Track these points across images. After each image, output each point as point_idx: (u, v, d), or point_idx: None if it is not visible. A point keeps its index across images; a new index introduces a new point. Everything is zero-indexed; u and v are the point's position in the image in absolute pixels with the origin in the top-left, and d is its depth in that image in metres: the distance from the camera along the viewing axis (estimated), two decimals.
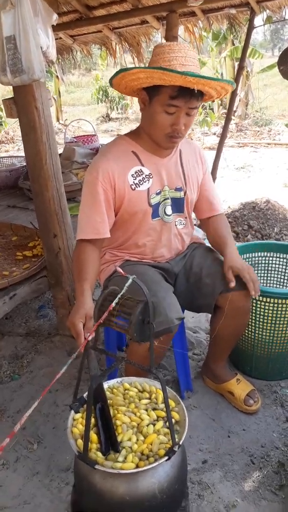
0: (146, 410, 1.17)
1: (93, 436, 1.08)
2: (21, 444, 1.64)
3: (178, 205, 1.63)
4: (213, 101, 1.55)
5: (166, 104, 1.36)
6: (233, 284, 1.50)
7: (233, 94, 3.72)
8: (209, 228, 1.79)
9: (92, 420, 1.10)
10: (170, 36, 3.29)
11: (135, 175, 1.51)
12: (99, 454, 1.05)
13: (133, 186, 1.51)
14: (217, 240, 1.72)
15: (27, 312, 2.59)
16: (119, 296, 1.01)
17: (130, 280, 1.00)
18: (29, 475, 1.53)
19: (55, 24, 1.89)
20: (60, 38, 3.93)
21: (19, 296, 1.97)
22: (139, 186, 1.52)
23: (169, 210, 1.60)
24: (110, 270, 1.65)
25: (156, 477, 1.05)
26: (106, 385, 1.26)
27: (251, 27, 3.40)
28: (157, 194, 1.56)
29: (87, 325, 1.16)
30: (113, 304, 1.00)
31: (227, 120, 3.75)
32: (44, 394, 0.92)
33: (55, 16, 1.88)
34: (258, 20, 3.48)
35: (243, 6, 3.23)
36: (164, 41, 3.37)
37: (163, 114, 1.39)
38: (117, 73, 1.37)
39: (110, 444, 1.08)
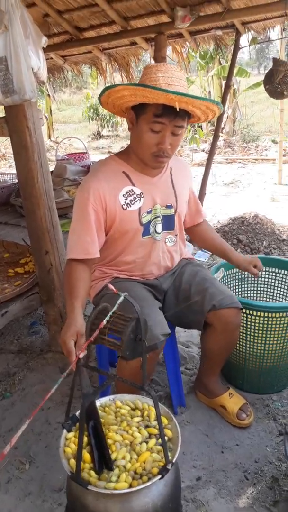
0: (138, 428, 1.16)
1: (86, 455, 1.08)
2: (12, 464, 1.62)
3: (168, 223, 1.66)
4: (201, 122, 1.57)
5: (151, 121, 1.39)
6: (259, 274, 1.82)
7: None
8: (195, 234, 1.89)
9: (85, 438, 1.09)
10: (159, 56, 3.37)
11: (126, 195, 1.53)
12: (93, 473, 1.04)
13: (125, 206, 1.52)
14: (215, 244, 1.87)
15: (19, 328, 2.58)
16: (110, 313, 1.02)
17: (121, 298, 1.01)
18: (21, 496, 1.50)
19: (45, 47, 1.94)
20: (51, 58, 4.00)
21: (11, 313, 1.97)
22: (130, 206, 1.53)
23: (159, 228, 1.62)
24: (99, 287, 1.66)
25: (149, 496, 1.04)
26: (98, 403, 1.25)
27: (237, 47, 3.50)
28: (148, 212, 1.58)
29: (78, 342, 1.17)
30: (105, 322, 1.01)
31: (215, 137, 3.83)
32: (35, 413, 0.92)
33: (44, 39, 1.93)
34: (244, 40, 3.59)
35: (228, 28, 3.33)
36: (153, 61, 3.46)
37: (149, 132, 1.41)
38: (104, 90, 1.40)
39: (104, 462, 1.07)
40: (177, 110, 1.31)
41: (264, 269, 2.15)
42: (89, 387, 1.08)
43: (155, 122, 1.38)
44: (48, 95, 11.41)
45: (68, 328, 1.22)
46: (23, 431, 0.88)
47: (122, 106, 1.47)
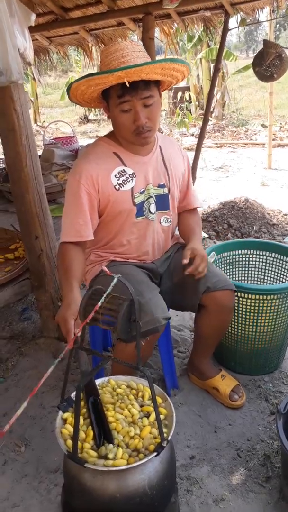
0: (133, 405, 1.18)
1: (83, 434, 1.09)
2: (8, 447, 1.63)
3: (162, 202, 1.64)
4: (175, 84, 1.53)
5: (118, 103, 1.39)
6: (186, 260, 1.50)
7: (210, 95, 3.77)
8: (181, 221, 1.83)
9: (81, 421, 1.10)
10: (146, 37, 3.31)
11: (118, 176, 1.52)
12: (90, 452, 1.05)
13: (117, 187, 1.51)
14: (186, 231, 1.75)
15: (11, 315, 2.57)
16: (105, 295, 1.01)
17: (115, 280, 1.01)
18: (17, 478, 1.52)
19: (33, 25, 1.89)
20: (36, 39, 3.91)
21: (2, 299, 1.95)
22: (122, 186, 1.52)
23: (153, 208, 1.61)
24: (96, 271, 1.65)
25: (145, 473, 1.06)
26: None
27: (225, 29, 3.45)
28: (141, 193, 1.57)
29: (76, 321, 1.17)
30: (99, 304, 1.01)
31: (205, 121, 3.80)
32: (32, 396, 0.92)
33: (33, 16, 1.88)
34: (233, 22, 3.55)
35: (217, 9, 3.28)
36: (140, 42, 3.40)
37: (121, 114, 1.41)
38: (67, 91, 1.42)
39: (104, 437, 1.09)
40: (127, 85, 1.30)
41: (255, 253, 2.18)
42: (87, 365, 1.09)
43: (121, 103, 1.38)
44: (34, 78, 11.19)
45: (68, 306, 1.21)
46: (19, 416, 0.88)
47: (91, 98, 1.47)
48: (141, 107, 1.39)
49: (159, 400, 1.18)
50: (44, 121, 11.91)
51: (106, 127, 11.21)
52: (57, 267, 1.48)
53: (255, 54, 3.81)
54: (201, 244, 1.66)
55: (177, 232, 1.87)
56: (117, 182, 1.51)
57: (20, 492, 1.46)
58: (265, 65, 3.57)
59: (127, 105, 1.38)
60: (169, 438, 1.07)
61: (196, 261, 1.52)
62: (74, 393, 1.11)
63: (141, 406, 1.18)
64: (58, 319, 1.19)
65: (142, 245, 1.64)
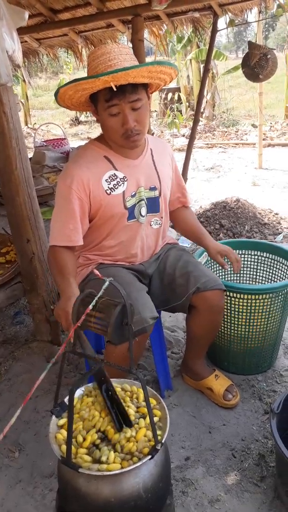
0: (129, 406, 1.18)
1: (80, 438, 1.08)
2: (2, 453, 1.62)
3: (153, 205, 1.64)
4: (164, 87, 1.54)
5: (106, 107, 1.38)
6: (227, 266, 1.74)
7: (200, 95, 3.78)
8: (178, 219, 1.86)
9: (78, 425, 1.10)
10: (136, 39, 3.31)
11: (109, 180, 1.51)
12: (85, 457, 1.05)
13: (108, 191, 1.51)
14: (192, 230, 1.83)
15: (3, 319, 2.55)
16: (96, 298, 1.01)
17: (107, 283, 1.00)
18: (12, 484, 1.50)
19: (26, 23, 1.87)
20: (26, 41, 3.89)
21: None
22: (114, 190, 1.52)
23: (144, 211, 1.61)
24: (84, 274, 1.64)
25: (140, 476, 1.05)
26: (84, 389, 1.25)
27: (214, 30, 3.47)
28: (132, 196, 1.57)
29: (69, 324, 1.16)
30: (91, 307, 1.00)
31: (195, 121, 3.81)
32: (24, 403, 0.91)
33: (26, 14, 1.86)
34: (222, 23, 3.57)
35: (206, 10, 3.30)
36: (130, 44, 3.40)
37: (109, 117, 1.41)
38: (55, 96, 1.42)
39: (123, 420, 1.09)
40: (114, 89, 1.30)
41: (247, 253, 2.19)
42: (93, 352, 1.10)
43: (109, 107, 1.38)
44: (24, 80, 11.14)
45: (68, 299, 1.22)
46: (14, 420, 0.88)
47: (79, 103, 1.47)
48: (129, 111, 1.38)
49: (153, 402, 1.18)
50: (35, 123, 11.86)
51: (97, 129, 11.19)
52: (50, 268, 1.48)
53: (243, 55, 3.84)
54: (213, 240, 1.80)
55: (170, 234, 1.88)
56: (108, 187, 1.51)
57: (14, 498, 1.45)
58: (251, 66, 3.59)
59: (115, 109, 1.38)
60: (163, 441, 1.07)
61: (231, 258, 1.73)
62: (68, 397, 1.10)
63: (137, 407, 1.18)
64: (59, 311, 1.19)
65: (131, 247, 1.64)
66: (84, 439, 1.09)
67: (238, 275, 2.24)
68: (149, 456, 1.03)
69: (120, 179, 1.53)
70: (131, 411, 1.16)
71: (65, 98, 1.42)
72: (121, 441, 1.08)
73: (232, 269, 1.83)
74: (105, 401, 1.13)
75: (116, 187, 1.52)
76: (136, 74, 1.31)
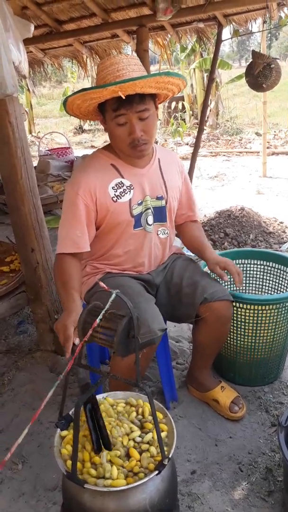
0: (132, 425, 1.16)
1: (86, 454, 1.06)
2: (5, 465, 1.60)
3: (160, 214, 1.64)
4: (171, 97, 1.54)
5: (114, 117, 1.39)
6: (226, 277, 1.65)
7: (204, 104, 3.80)
8: (185, 233, 1.84)
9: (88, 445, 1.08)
10: (141, 49, 3.34)
11: (115, 188, 1.51)
12: (91, 471, 1.03)
13: (115, 198, 1.51)
14: (196, 243, 1.78)
15: (6, 328, 2.54)
16: (103, 311, 1.00)
17: (113, 295, 0.99)
18: (15, 497, 1.48)
19: (31, 35, 1.89)
20: (31, 51, 3.94)
21: None
22: (120, 198, 1.52)
23: (150, 219, 1.61)
24: (91, 283, 1.64)
25: (146, 492, 1.03)
26: None
27: (219, 40, 3.49)
28: (139, 204, 1.57)
29: (75, 336, 1.15)
30: (98, 321, 0.99)
31: (200, 130, 3.82)
32: (33, 420, 0.90)
33: (31, 26, 1.88)
34: (226, 33, 3.58)
35: (210, 20, 3.32)
36: (135, 54, 3.42)
37: (117, 127, 1.41)
38: (64, 106, 1.44)
39: (102, 443, 1.07)
40: (123, 98, 1.30)
41: (252, 262, 2.17)
42: (87, 374, 1.08)
43: (117, 116, 1.38)
44: (28, 89, 11.24)
45: (69, 314, 1.20)
46: (15, 431, 0.86)
47: (87, 112, 1.48)
48: (137, 120, 1.39)
49: (159, 416, 1.16)
50: (39, 132, 11.95)
51: (101, 137, 11.26)
52: (55, 279, 1.47)
53: (247, 64, 3.85)
54: (216, 253, 1.74)
55: (175, 244, 1.87)
56: (114, 194, 1.51)
57: (17, 511, 1.43)
58: (255, 75, 3.60)
59: (123, 119, 1.38)
60: (170, 456, 1.05)
61: (232, 270, 1.64)
62: (73, 410, 1.09)
63: (143, 422, 1.16)
64: (58, 326, 1.18)
65: (138, 256, 1.64)
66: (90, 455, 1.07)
67: (244, 285, 2.22)
68: (156, 472, 1.02)
69: (127, 187, 1.53)
70: (135, 428, 1.13)
71: (73, 107, 1.43)
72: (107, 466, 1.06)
73: (233, 281, 1.79)
74: (87, 421, 1.09)
75: (122, 194, 1.52)
76: (143, 84, 1.31)
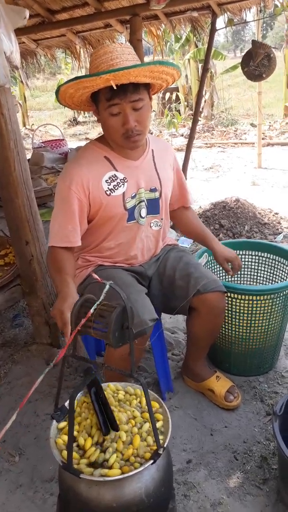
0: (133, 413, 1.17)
1: (82, 441, 1.07)
2: (2, 457, 1.60)
3: (153, 206, 1.63)
4: (165, 88, 1.53)
5: (107, 106, 1.37)
6: (231, 273, 1.76)
7: (199, 95, 3.77)
8: (181, 219, 1.86)
9: (76, 427, 1.08)
10: (134, 39, 3.30)
11: (109, 181, 1.50)
12: (84, 461, 1.04)
13: (108, 192, 1.50)
14: (197, 232, 1.84)
15: (2, 321, 2.54)
16: (98, 302, 1.00)
17: (107, 287, 0.99)
18: (12, 489, 1.49)
19: (26, 23, 1.86)
20: (23, 42, 3.88)
21: None
22: (114, 191, 1.51)
23: (144, 212, 1.60)
24: (83, 275, 1.63)
25: (142, 481, 1.04)
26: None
27: (213, 30, 3.45)
28: (132, 197, 1.56)
29: (66, 330, 1.15)
30: (91, 311, 0.99)
31: (194, 121, 3.80)
32: (20, 409, 0.90)
33: (26, 12, 1.85)
34: (220, 22, 3.55)
35: (204, 9, 3.28)
36: (128, 44, 3.38)
37: (110, 117, 1.39)
38: (56, 95, 1.41)
39: (109, 424, 1.08)
40: (114, 88, 1.29)
41: (247, 253, 2.17)
42: (84, 353, 1.08)
43: (110, 106, 1.36)
44: (21, 81, 11.11)
45: (64, 299, 1.20)
46: (11, 424, 0.87)
47: (80, 102, 1.46)
48: (130, 110, 1.37)
49: (155, 405, 1.17)
50: (33, 124, 11.85)
51: (96, 129, 11.19)
52: (48, 267, 1.47)
53: (243, 54, 3.82)
54: (221, 244, 1.82)
55: (170, 235, 1.87)
56: (108, 188, 1.49)
57: (15, 503, 1.44)
58: (254, 65, 3.58)
59: (116, 108, 1.37)
60: (165, 445, 1.06)
61: (235, 268, 1.77)
62: (68, 401, 1.09)
63: (142, 412, 1.17)
64: (54, 312, 1.17)
65: (130, 249, 1.63)
66: (85, 440, 1.08)
67: (239, 276, 2.23)
68: (151, 461, 1.02)
69: (120, 180, 1.52)
70: (137, 413, 1.14)
71: (66, 96, 1.41)
72: (114, 446, 1.07)
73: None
74: (93, 404, 1.11)
75: (116, 188, 1.51)
76: (137, 73, 1.30)
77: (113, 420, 1.09)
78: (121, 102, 1.35)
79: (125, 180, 1.53)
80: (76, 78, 1.31)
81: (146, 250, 1.68)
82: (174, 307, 1.67)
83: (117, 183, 1.51)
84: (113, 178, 1.51)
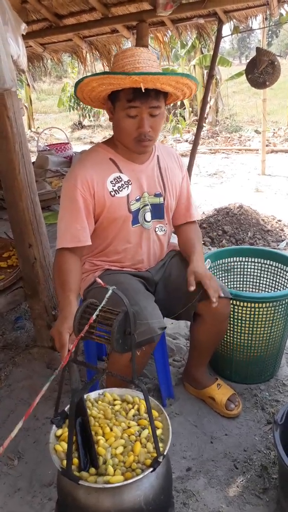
0: (129, 422, 1.16)
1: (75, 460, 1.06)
2: (0, 460, 1.60)
3: (158, 211, 1.64)
4: (181, 100, 1.55)
5: (126, 107, 1.38)
6: (192, 288, 1.49)
7: (204, 101, 3.78)
8: (181, 234, 1.81)
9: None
10: (140, 45, 3.31)
11: (114, 182, 1.51)
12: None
13: (113, 193, 1.51)
14: (187, 245, 1.72)
15: (4, 324, 2.54)
16: (99, 307, 0.99)
17: (110, 291, 0.99)
18: (10, 492, 1.48)
19: (24, 34, 1.88)
20: (30, 46, 3.91)
21: None
22: (118, 193, 1.51)
23: (148, 216, 1.60)
24: (89, 280, 1.63)
25: (141, 489, 1.03)
26: (86, 397, 1.23)
27: (219, 37, 3.47)
28: (137, 200, 1.56)
29: (71, 337, 1.15)
30: (94, 316, 0.99)
31: (199, 127, 3.81)
32: (25, 419, 0.90)
33: (23, 25, 1.87)
34: (226, 29, 3.56)
35: (211, 16, 3.29)
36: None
37: (126, 118, 1.40)
38: (75, 86, 1.41)
39: (90, 460, 1.06)
40: (143, 90, 1.30)
41: (250, 260, 2.17)
42: (79, 383, 1.07)
43: (129, 107, 1.38)
44: (28, 84, 11.20)
45: (64, 320, 1.19)
46: (11, 428, 0.86)
47: (97, 97, 1.46)
48: (147, 116, 1.39)
49: (155, 413, 1.16)
50: (38, 127, 11.91)
51: (101, 133, 11.24)
52: (54, 277, 1.46)
53: (248, 61, 3.83)
54: (203, 262, 1.62)
55: (172, 240, 1.86)
56: (112, 188, 1.50)
57: (13, 507, 1.43)
58: (258, 72, 3.59)
59: (135, 111, 1.38)
60: (165, 453, 1.05)
61: (207, 285, 1.48)
62: (68, 406, 1.09)
63: (138, 419, 1.16)
64: (53, 332, 1.17)
65: (137, 253, 1.63)
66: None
67: (241, 283, 2.22)
68: (151, 469, 1.01)
69: (125, 182, 1.53)
70: (133, 423, 1.12)
71: (86, 89, 1.40)
72: (119, 456, 1.06)
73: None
74: (76, 436, 1.06)
75: (120, 189, 1.52)
76: (165, 81, 1.32)
77: (95, 457, 1.04)
78: (141, 105, 1.36)
79: (129, 183, 1.53)
80: (105, 72, 1.32)
81: (152, 255, 1.68)
82: (179, 313, 1.66)
83: (121, 184, 1.52)
84: (118, 180, 1.51)
